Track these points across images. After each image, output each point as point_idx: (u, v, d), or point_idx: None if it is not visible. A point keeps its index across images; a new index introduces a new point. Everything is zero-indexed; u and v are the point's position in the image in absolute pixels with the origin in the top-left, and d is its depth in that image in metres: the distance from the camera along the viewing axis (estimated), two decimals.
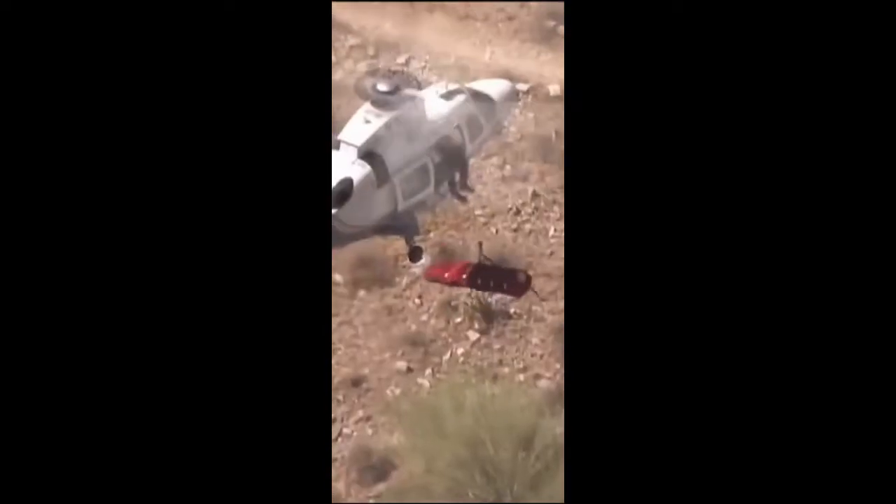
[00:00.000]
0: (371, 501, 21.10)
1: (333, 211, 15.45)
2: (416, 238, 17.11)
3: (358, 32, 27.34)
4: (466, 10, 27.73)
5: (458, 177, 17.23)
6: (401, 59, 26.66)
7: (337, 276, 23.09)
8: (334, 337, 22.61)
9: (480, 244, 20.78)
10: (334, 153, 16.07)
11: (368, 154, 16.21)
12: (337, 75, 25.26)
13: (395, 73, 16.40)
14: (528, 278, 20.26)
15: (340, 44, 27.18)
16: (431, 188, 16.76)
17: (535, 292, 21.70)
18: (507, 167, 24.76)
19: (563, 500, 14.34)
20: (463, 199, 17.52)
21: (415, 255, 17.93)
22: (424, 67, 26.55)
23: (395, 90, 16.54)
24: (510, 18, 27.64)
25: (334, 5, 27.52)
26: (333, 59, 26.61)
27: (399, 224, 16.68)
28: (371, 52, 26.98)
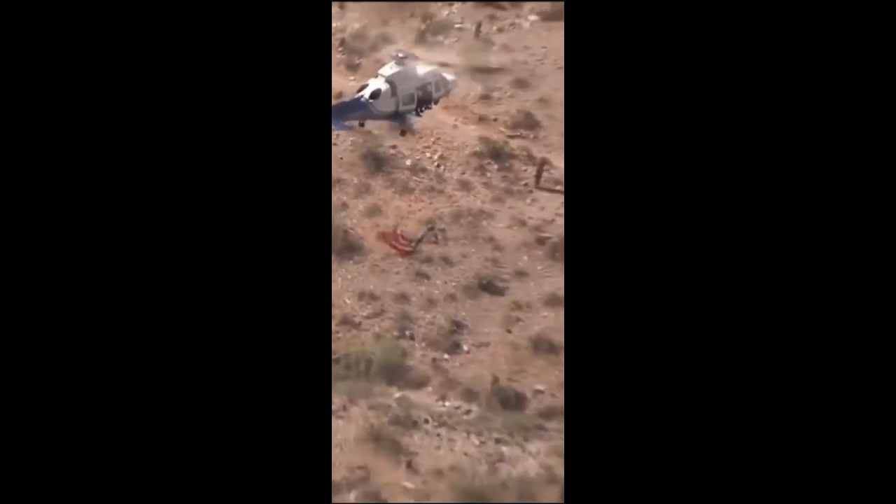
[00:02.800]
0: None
1: (372, 101, 27.94)
2: (406, 126, 29.17)
3: None
4: None
5: (425, 108, 29.17)
6: None
7: None
8: None
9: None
10: (374, 79, 28.59)
11: (389, 81, 28.35)
12: None
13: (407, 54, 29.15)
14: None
15: None
16: (414, 105, 28.71)
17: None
18: None
19: None
20: (420, 116, 29.39)
21: (404, 133, 29.80)
22: None
23: (405, 58, 28.79)
24: None
25: None
26: None
27: (398, 118, 28.74)
28: None
